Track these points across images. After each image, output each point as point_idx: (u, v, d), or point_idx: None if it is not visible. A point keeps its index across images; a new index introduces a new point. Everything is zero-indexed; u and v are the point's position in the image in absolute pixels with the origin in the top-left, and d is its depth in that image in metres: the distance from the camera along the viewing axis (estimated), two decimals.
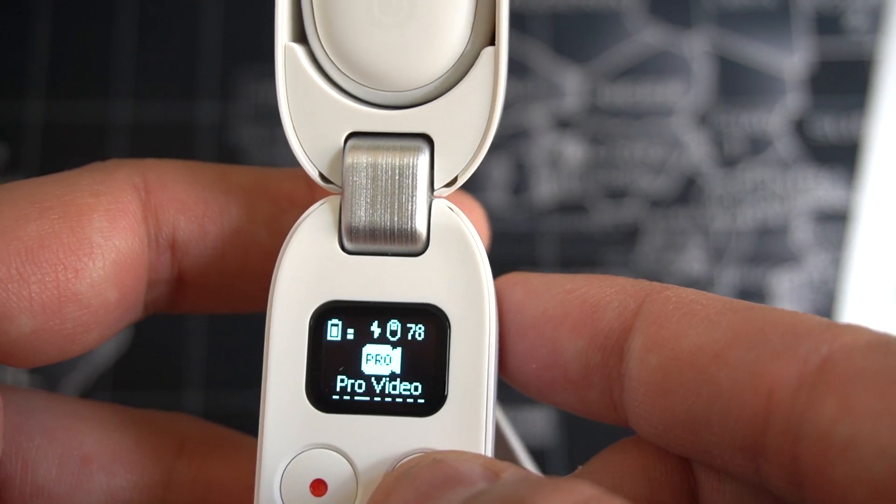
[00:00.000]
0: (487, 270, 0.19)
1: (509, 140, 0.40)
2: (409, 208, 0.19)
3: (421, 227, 0.19)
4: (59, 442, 0.20)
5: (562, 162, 0.40)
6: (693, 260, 0.39)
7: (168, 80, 0.41)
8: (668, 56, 0.41)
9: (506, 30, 0.18)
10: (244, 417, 0.37)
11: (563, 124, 0.40)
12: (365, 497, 0.18)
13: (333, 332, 0.19)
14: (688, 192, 0.40)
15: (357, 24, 0.18)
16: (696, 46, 0.41)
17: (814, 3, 0.41)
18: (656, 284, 0.19)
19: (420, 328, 0.19)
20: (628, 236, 0.39)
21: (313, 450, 0.18)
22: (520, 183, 0.40)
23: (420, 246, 0.19)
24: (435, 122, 0.19)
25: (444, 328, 0.18)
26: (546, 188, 0.40)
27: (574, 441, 0.37)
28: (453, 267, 0.19)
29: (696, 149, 0.40)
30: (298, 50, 0.19)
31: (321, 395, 0.18)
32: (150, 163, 0.20)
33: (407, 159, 0.19)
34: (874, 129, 0.40)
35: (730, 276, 0.39)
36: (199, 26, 0.41)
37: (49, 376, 0.37)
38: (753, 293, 0.39)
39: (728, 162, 0.40)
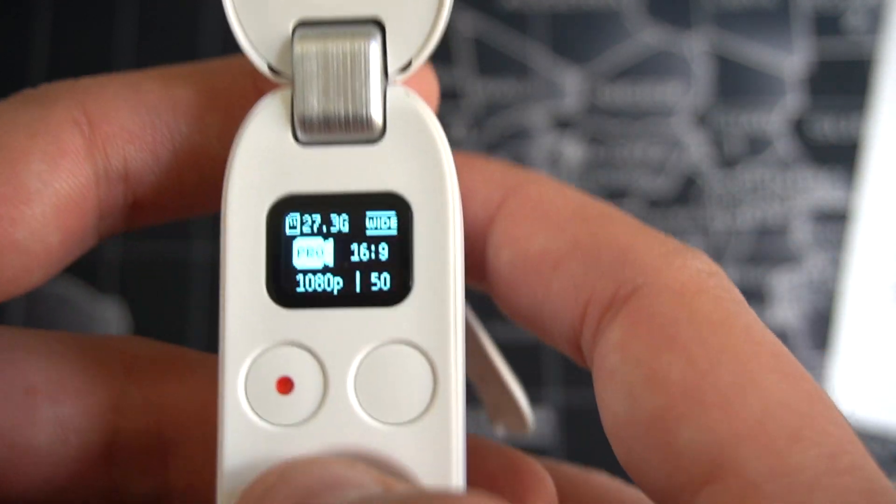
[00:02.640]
0: (448, 155, 0.18)
1: (509, 140, 0.40)
2: (363, 94, 0.18)
3: (376, 114, 0.18)
4: (1, 375, 0.19)
5: (562, 162, 0.40)
6: None
7: None
8: (668, 56, 0.41)
9: None
10: None
11: (563, 124, 0.40)
12: (334, 391, 0.17)
13: (291, 225, 0.18)
14: (687, 192, 0.40)
15: None
16: (696, 46, 0.41)
17: (813, 3, 0.41)
18: (522, 176, 0.20)
19: (381, 216, 0.18)
20: None
21: (277, 347, 0.18)
22: None
23: (376, 133, 0.18)
24: (385, 4, 0.18)
25: (407, 215, 0.18)
26: None
27: (573, 440, 0.37)
28: (412, 152, 0.18)
29: (696, 149, 0.40)
30: None
31: (282, 290, 0.18)
32: (90, 88, 0.20)
33: (358, 45, 0.18)
34: (874, 129, 0.40)
35: (729, 275, 0.39)
36: (200, 26, 0.41)
37: None
38: (753, 293, 0.39)
39: (728, 162, 0.40)
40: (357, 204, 0.18)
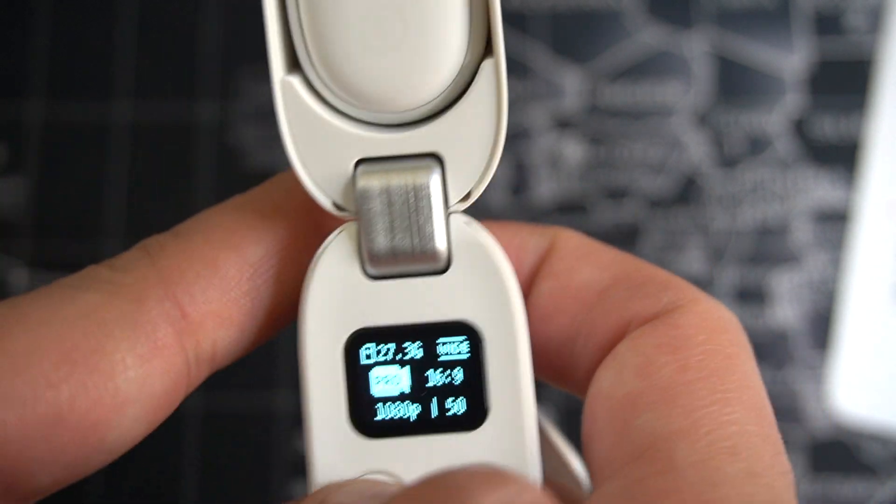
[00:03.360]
0: (513, 279, 0.19)
1: (509, 140, 0.40)
2: (428, 228, 0.18)
3: (441, 245, 0.19)
4: None
5: (562, 162, 0.40)
6: (693, 260, 0.39)
7: (168, 80, 0.41)
8: (668, 56, 0.41)
9: (502, 39, 0.18)
10: (245, 418, 0.37)
11: (563, 124, 0.40)
12: None
13: (367, 357, 0.19)
14: (687, 192, 0.40)
15: (351, 50, 0.18)
16: (696, 46, 0.41)
17: (814, 3, 0.41)
18: (561, 230, 0.21)
19: (453, 345, 0.19)
20: (628, 236, 0.39)
21: (364, 477, 0.18)
22: (520, 183, 0.40)
23: (443, 264, 0.19)
24: (442, 139, 0.19)
25: (478, 342, 0.19)
26: (546, 188, 0.40)
27: (573, 439, 0.37)
28: (478, 280, 0.19)
29: (696, 149, 0.40)
30: (296, 82, 0.18)
31: (364, 421, 0.18)
32: (173, 274, 0.20)
33: (419, 179, 0.18)
34: (874, 129, 0.40)
35: (729, 275, 0.39)
36: (200, 26, 0.41)
37: None
38: (753, 293, 0.39)
39: (728, 162, 0.40)
40: (428, 334, 0.19)
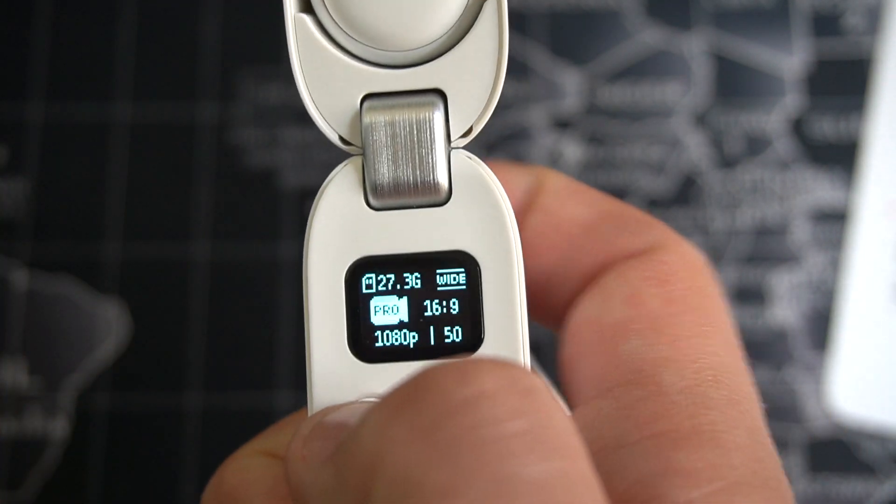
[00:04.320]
0: (511, 214, 0.20)
1: (509, 140, 0.40)
2: (430, 161, 0.19)
3: (442, 178, 0.19)
4: None
5: (562, 162, 0.40)
6: None
7: (168, 81, 0.41)
8: (668, 56, 0.41)
9: None
10: (245, 418, 0.37)
11: (563, 124, 0.40)
12: None
13: (368, 285, 0.19)
14: (687, 192, 0.40)
15: None
16: (695, 46, 0.41)
17: (812, 3, 0.41)
18: (547, 170, 0.23)
19: (451, 276, 0.19)
20: None
21: (361, 400, 0.19)
22: None
23: (443, 196, 0.19)
24: (446, 76, 0.19)
25: (475, 271, 0.19)
26: None
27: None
28: (478, 212, 0.19)
29: (696, 149, 0.40)
30: (308, 20, 0.19)
31: (363, 347, 0.19)
32: None
33: (423, 114, 0.19)
34: (873, 129, 0.40)
35: (729, 275, 0.39)
36: (200, 27, 0.41)
37: (49, 376, 0.37)
38: (752, 292, 0.39)
39: (727, 162, 0.40)
40: (427, 263, 0.19)
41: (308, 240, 0.19)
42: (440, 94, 0.20)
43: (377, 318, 0.19)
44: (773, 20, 0.41)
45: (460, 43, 0.19)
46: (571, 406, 0.21)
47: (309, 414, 0.19)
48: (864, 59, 0.41)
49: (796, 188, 0.40)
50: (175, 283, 0.39)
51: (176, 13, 0.41)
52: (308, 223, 0.20)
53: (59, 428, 0.37)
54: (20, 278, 0.38)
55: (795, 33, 0.41)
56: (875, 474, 0.37)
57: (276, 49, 0.41)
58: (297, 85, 0.19)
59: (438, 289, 0.19)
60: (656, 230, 0.21)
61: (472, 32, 0.19)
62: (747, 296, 0.39)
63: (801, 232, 0.39)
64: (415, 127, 0.19)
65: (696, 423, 0.18)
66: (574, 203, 0.22)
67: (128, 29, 0.41)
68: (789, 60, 0.41)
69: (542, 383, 0.16)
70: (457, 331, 0.19)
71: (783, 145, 0.40)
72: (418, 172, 0.19)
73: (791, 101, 0.41)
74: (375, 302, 0.19)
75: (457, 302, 0.19)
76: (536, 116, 0.40)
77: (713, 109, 0.40)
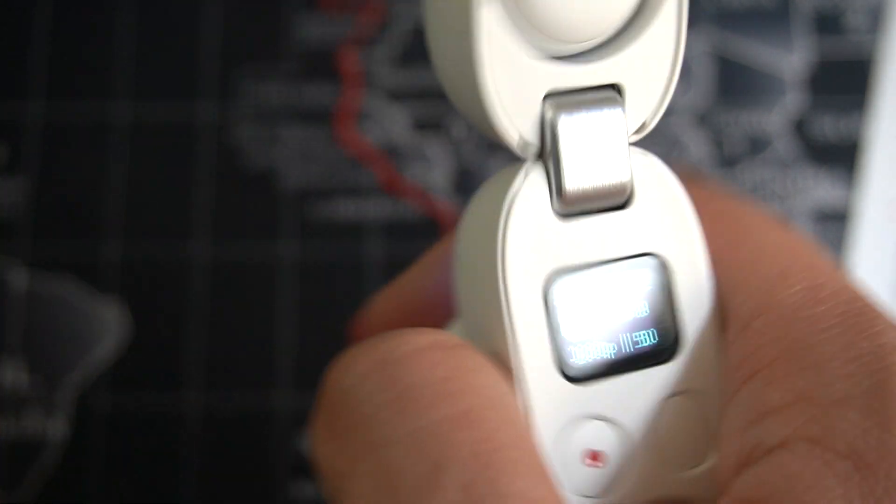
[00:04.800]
0: (693, 209, 0.19)
1: None
2: (615, 161, 0.18)
3: (627, 178, 0.18)
4: None
5: None
6: None
7: (168, 80, 0.41)
8: None
9: None
10: (245, 418, 0.37)
11: None
12: (633, 452, 0.18)
13: (566, 299, 0.18)
14: None
15: None
16: (696, 46, 0.41)
17: (813, 3, 0.41)
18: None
19: (647, 277, 0.19)
20: None
21: (578, 422, 0.18)
22: None
23: (626, 196, 0.19)
24: (625, 70, 0.18)
25: (667, 273, 0.19)
26: None
27: None
28: (662, 211, 0.19)
29: (696, 149, 0.40)
30: (492, 15, 0.18)
31: (569, 365, 0.18)
32: None
33: (606, 112, 0.18)
34: (874, 129, 0.40)
35: None
36: (200, 26, 0.41)
37: (48, 376, 0.37)
38: None
39: (728, 162, 0.40)
40: (621, 269, 0.18)
41: (503, 256, 0.18)
42: (617, 89, 0.18)
43: (571, 334, 0.18)
44: (774, 20, 0.41)
45: (641, 37, 0.18)
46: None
47: (532, 431, 0.18)
48: (865, 59, 0.41)
49: (797, 188, 0.40)
50: (174, 282, 0.39)
51: (175, 12, 0.41)
52: (498, 240, 0.18)
53: (58, 428, 0.37)
54: (20, 278, 0.38)
55: (796, 33, 0.41)
56: None
57: (276, 48, 0.41)
58: (483, 84, 0.18)
59: (625, 293, 0.18)
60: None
61: (653, 26, 0.18)
62: None
63: (802, 232, 0.39)
64: (602, 127, 0.18)
65: (781, 349, 0.17)
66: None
67: (127, 28, 0.41)
68: (790, 60, 0.41)
69: (411, 347, 0.16)
70: (650, 334, 0.19)
71: (784, 145, 0.40)
72: (605, 173, 0.18)
73: (792, 101, 0.41)
74: (567, 316, 0.18)
75: (646, 305, 0.19)
76: None
77: (714, 109, 0.40)
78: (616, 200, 0.18)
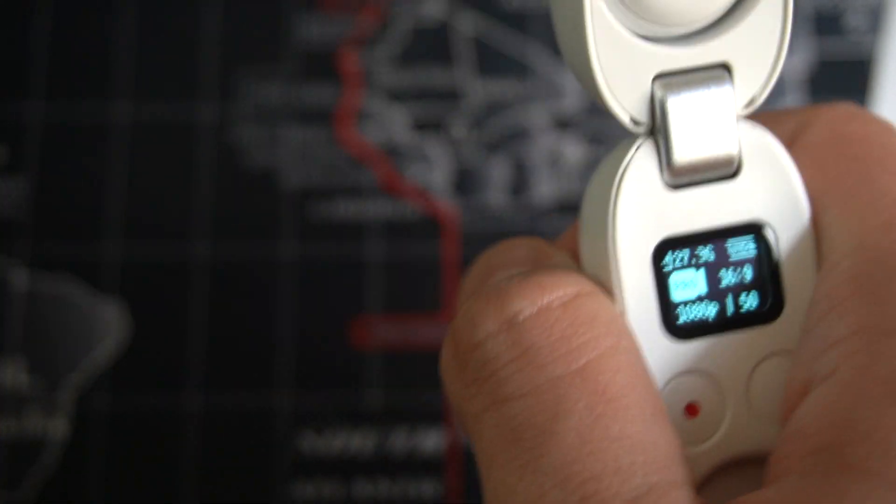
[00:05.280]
0: (800, 178, 0.20)
1: (509, 140, 0.40)
2: (723, 135, 0.19)
3: (735, 150, 0.19)
4: None
5: (562, 162, 0.40)
6: None
7: (168, 80, 0.41)
8: None
9: None
10: (245, 418, 0.37)
11: (563, 124, 0.40)
12: (733, 408, 0.20)
13: (676, 264, 0.20)
14: None
15: None
16: None
17: (814, 3, 0.41)
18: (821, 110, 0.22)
19: (741, 243, 0.20)
20: None
21: (679, 377, 0.20)
22: (520, 183, 0.40)
23: (734, 167, 0.20)
24: (732, 49, 0.19)
25: (765, 239, 0.20)
26: (546, 188, 0.40)
27: None
28: (769, 181, 0.20)
29: None
30: (602, 3, 0.19)
31: (674, 325, 0.19)
32: None
33: (714, 89, 0.19)
34: None
35: None
36: (200, 26, 0.41)
37: (48, 376, 0.37)
38: None
39: None
40: (728, 235, 0.20)
41: (614, 225, 0.19)
42: (726, 68, 0.19)
43: (678, 294, 0.20)
44: None
45: (748, 17, 0.19)
46: None
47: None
48: (865, 59, 0.41)
49: None
50: (175, 282, 0.39)
51: (175, 12, 0.41)
52: (609, 208, 0.19)
53: (58, 428, 0.37)
54: (20, 278, 0.38)
55: (796, 33, 0.41)
56: None
57: (276, 48, 0.41)
58: (594, 69, 0.19)
59: (731, 258, 0.20)
60: (800, 114, 0.21)
61: (759, 6, 0.19)
62: None
63: None
64: (710, 103, 0.19)
65: (857, 286, 0.18)
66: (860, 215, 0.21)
67: (127, 28, 0.41)
68: (790, 60, 0.41)
69: (534, 307, 0.18)
70: (753, 297, 0.20)
71: None
72: (715, 147, 0.19)
73: (792, 101, 0.41)
74: (675, 278, 0.20)
75: (749, 268, 0.20)
76: (537, 116, 0.40)
77: None
78: (724, 171, 0.20)
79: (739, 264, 0.20)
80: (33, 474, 0.37)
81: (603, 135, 0.40)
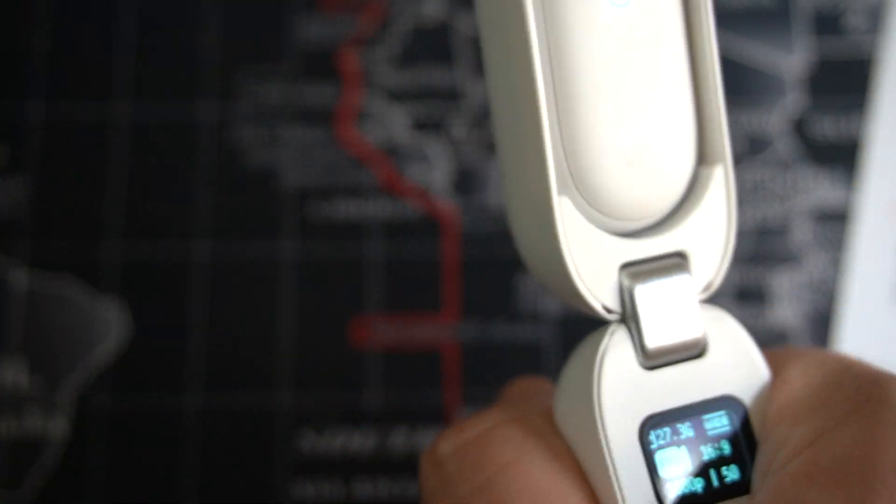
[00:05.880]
0: (758, 352, 0.21)
1: None
2: (689, 318, 0.21)
3: (701, 333, 0.21)
4: None
5: None
6: None
7: (168, 81, 0.41)
8: None
9: (729, 148, 0.21)
10: (245, 418, 0.37)
11: None
12: None
13: (659, 441, 0.21)
14: None
15: (609, 177, 0.21)
16: None
17: (814, 3, 0.41)
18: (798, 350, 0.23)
19: (716, 419, 0.21)
20: None
21: None
22: None
23: (701, 348, 0.21)
24: (688, 238, 0.21)
25: (739, 412, 0.21)
26: None
27: None
28: (734, 357, 0.21)
29: None
30: (567, 202, 0.21)
31: (667, 499, 0.20)
32: None
33: (677, 277, 0.21)
34: (874, 129, 0.40)
35: (730, 275, 0.39)
36: (200, 26, 0.41)
37: (49, 377, 0.37)
38: (753, 293, 0.39)
39: None
40: (705, 411, 0.21)
41: (600, 409, 0.20)
42: (682, 255, 0.21)
43: (666, 471, 0.20)
44: (773, 20, 0.41)
45: (698, 209, 0.21)
46: None
47: None
48: (865, 59, 0.41)
49: (797, 188, 0.40)
50: (175, 282, 0.39)
51: (176, 13, 0.41)
52: (593, 393, 0.20)
53: (58, 428, 0.37)
54: (20, 278, 0.38)
55: (796, 33, 0.41)
56: None
57: (277, 48, 0.41)
58: (566, 265, 0.21)
59: (709, 433, 0.21)
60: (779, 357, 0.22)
61: (706, 198, 0.21)
62: (748, 296, 0.39)
63: (801, 232, 0.39)
64: (673, 290, 0.21)
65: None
66: (802, 370, 0.22)
67: (128, 28, 0.41)
68: (790, 60, 0.41)
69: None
70: (733, 470, 0.20)
71: (784, 145, 0.40)
72: (682, 330, 0.21)
73: (792, 101, 0.41)
74: (661, 455, 0.20)
75: (727, 443, 0.21)
76: None
77: None
78: (693, 352, 0.21)
79: (716, 440, 0.21)
80: (33, 474, 0.37)
81: None
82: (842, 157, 0.40)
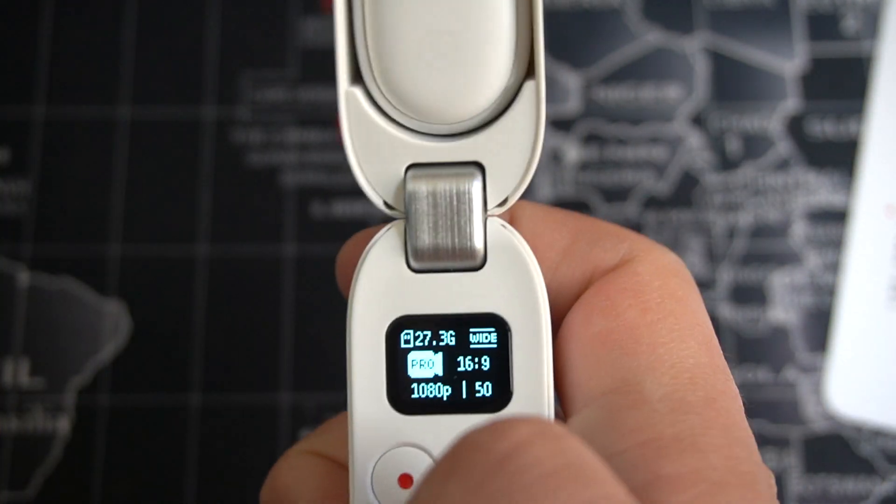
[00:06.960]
0: (541, 279, 0.21)
1: None
2: (468, 229, 0.21)
3: (479, 245, 0.21)
4: None
5: (562, 162, 0.40)
6: (692, 260, 0.39)
7: (170, 83, 0.41)
8: (668, 57, 0.41)
9: (543, 63, 0.20)
10: (246, 417, 0.37)
11: (563, 124, 0.41)
12: None
13: (406, 341, 0.21)
14: (687, 192, 0.40)
15: (409, 68, 0.20)
16: (696, 47, 0.41)
17: (812, 4, 0.42)
18: (519, 203, 0.23)
19: (484, 334, 0.21)
20: None
21: (398, 448, 0.21)
22: None
23: (479, 261, 0.21)
24: (485, 149, 0.21)
25: (506, 333, 0.21)
26: (546, 188, 0.40)
27: None
28: (510, 278, 0.21)
29: (696, 150, 0.40)
30: (358, 93, 0.21)
31: (401, 399, 0.21)
32: None
33: (462, 185, 0.21)
34: (871, 131, 0.40)
35: (729, 276, 0.39)
36: (201, 29, 0.41)
37: (51, 376, 0.38)
38: (752, 293, 0.39)
39: (727, 163, 0.40)
40: (462, 323, 0.21)
41: (353, 298, 0.21)
42: (479, 166, 0.21)
43: (414, 371, 0.21)
44: (772, 22, 0.41)
45: (499, 119, 0.21)
46: (565, 416, 0.22)
47: (350, 460, 0.20)
48: (862, 61, 0.41)
49: (796, 189, 0.40)
50: (177, 282, 0.39)
51: (178, 15, 0.41)
52: (353, 282, 0.21)
53: (61, 427, 0.37)
54: (23, 278, 0.39)
55: (795, 35, 0.41)
56: (873, 473, 0.38)
57: (278, 50, 0.41)
58: (347, 154, 0.21)
59: (471, 346, 0.21)
60: (628, 242, 0.22)
61: (511, 110, 0.21)
62: (747, 296, 0.39)
63: (800, 232, 0.40)
64: (455, 197, 0.21)
65: (676, 431, 0.19)
66: (547, 229, 0.23)
67: (130, 31, 0.41)
68: (789, 62, 0.41)
69: (567, 430, 0.18)
70: (487, 386, 0.21)
71: (783, 146, 0.40)
72: (457, 239, 0.21)
73: (790, 103, 0.41)
74: (413, 356, 0.21)
75: (488, 359, 0.21)
76: None
77: (713, 110, 0.41)
78: (468, 263, 0.21)
79: (478, 353, 0.21)
80: (36, 472, 0.37)
81: (603, 135, 0.40)
82: (840, 158, 0.40)
